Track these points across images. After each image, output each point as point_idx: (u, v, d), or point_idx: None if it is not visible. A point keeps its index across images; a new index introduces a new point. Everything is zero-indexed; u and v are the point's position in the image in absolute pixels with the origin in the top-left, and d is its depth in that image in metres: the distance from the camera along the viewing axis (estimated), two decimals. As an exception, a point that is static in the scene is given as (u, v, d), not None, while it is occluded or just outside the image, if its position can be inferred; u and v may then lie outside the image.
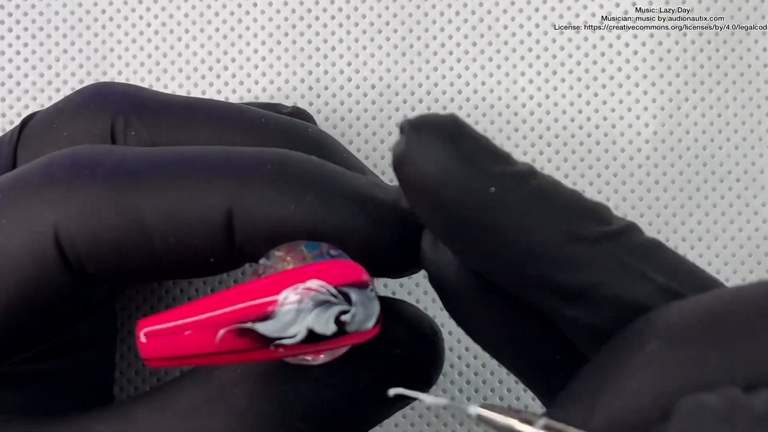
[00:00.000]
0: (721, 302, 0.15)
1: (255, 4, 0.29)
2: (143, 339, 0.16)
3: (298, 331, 0.16)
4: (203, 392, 0.18)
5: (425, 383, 0.20)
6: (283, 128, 0.21)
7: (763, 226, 0.28)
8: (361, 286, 0.17)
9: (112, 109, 0.20)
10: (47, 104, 0.29)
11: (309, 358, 0.18)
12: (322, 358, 0.18)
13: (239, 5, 0.29)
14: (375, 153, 0.29)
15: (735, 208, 0.28)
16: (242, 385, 0.18)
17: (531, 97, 0.29)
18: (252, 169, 0.18)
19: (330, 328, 0.17)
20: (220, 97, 0.29)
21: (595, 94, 0.29)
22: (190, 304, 0.16)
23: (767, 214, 0.28)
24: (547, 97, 0.29)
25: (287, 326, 0.16)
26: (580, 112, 0.28)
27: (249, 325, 0.16)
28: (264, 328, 0.16)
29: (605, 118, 0.28)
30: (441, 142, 0.16)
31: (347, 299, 0.17)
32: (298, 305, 0.16)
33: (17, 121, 0.29)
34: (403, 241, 0.18)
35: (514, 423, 0.16)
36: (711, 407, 0.14)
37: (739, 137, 0.28)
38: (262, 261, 0.18)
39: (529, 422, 0.16)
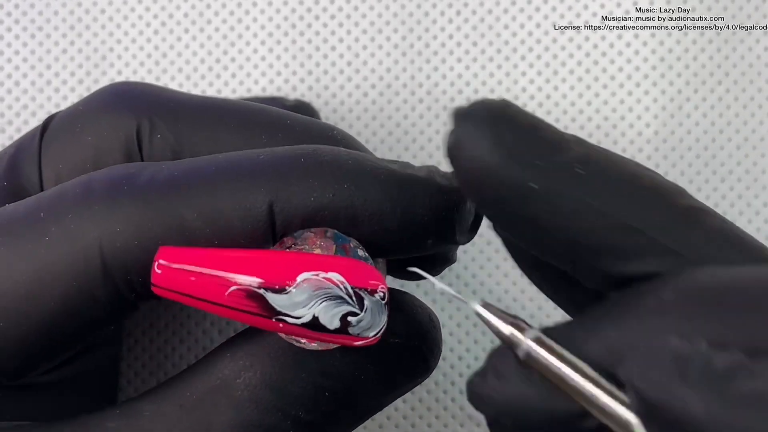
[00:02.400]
0: (750, 273, 0.15)
1: (255, 4, 0.29)
2: (157, 267, 0.17)
3: (304, 315, 0.17)
4: (206, 385, 0.19)
5: (423, 372, 0.20)
6: (308, 128, 0.21)
7: (765, 226, 0.28)
8: (377, 295, 0.17)
9: (136, 112, 0.21)
10: (46, 104, 0.29)
11: (302, 341, 0.18)
12: (314, 345, 0.18)
13: (239, 5, 0.29)
14: (375, 153, 0.29)
15: (736, 208, 0.28)
16: (243, 376, 0.18)
17: (532, 97, 0.28)
18: (288, 163, 0.18)
19: (334, 324, 0.17)
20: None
21: (597, 94, 0.28)
22: (213, 251, 0.17)
23: (769, 215, 0.28)
24: (548, 97, 0.28)
25: (296, 306, 0.17)
26: (581, 112, 0.28)
27: (261, 291, 0.17)
28: (274, 299, 0.17)
29: (606, 118, 0.28)
30: (483, 135, 0.16)
31: (360, 303, 0.17)
32: (313, 291, 0.17)
33: (16, 121, 0.29)
34: (440, 217, 0.19)
35: (506, 328, 0.16)
36: (671, 350, 0.14)
37: (741, 137, 0.28)
38: (290, 236, 0.18)
39: (521, 330, 0.16)
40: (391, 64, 0.29)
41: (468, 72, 0.29)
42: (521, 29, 0.29)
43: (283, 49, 0.29)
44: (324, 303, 0.17)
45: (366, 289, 0.17)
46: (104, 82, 0.29)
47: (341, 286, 0.17)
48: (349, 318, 0.17)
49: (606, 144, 0.28)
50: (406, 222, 0.18)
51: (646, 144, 0.28)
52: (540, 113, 0.28)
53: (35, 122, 0.29)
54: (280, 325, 0.17)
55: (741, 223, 0.28)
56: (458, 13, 0.29)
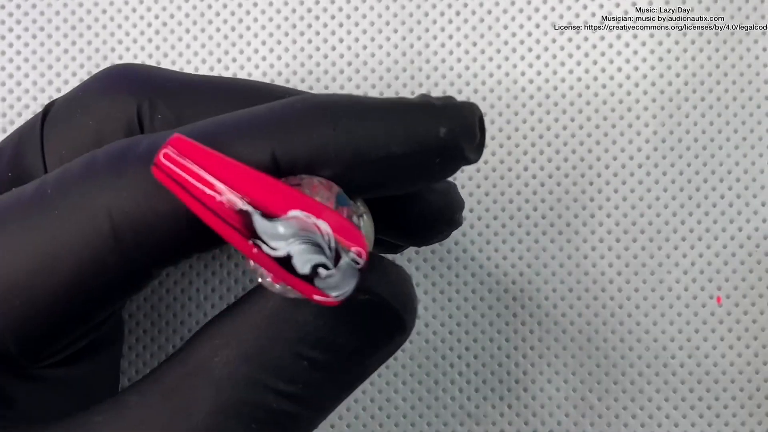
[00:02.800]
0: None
1: (255, 4, 0.29)
2: (163, 153, 0.17)
3: (280, 248, 0.17)
4: (185, 368, 0.18)
5: (398, 328, 0.20)
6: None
7: (763, 225, 0.28)
8: (354, 257, 0.17)
9: (135, 93, 0.21)
10: (48, 104, 0.29)
11: (267, 278, 0.18)
12: (278, 287, 0.18)
13: (240, 5, 0.29)
14: (375, 153, 0.29)
15: (735, 207, 0.28)
16: (220, 354, 0.18)
17: (531, 97, 0.29)
18: (286, 111, 0.18)
19: (304, 269, 0.17)
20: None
21: (596, 94, 0.29)
22: (224, 159, 0.17)
23: (767, 214, 0.28)
24: (548, 96, 0.29)
25: (276, 238, 0.17)
26: (581, 111, 0.29)
27: (250, 209, 0.17)
28: (258, 222, 0.17)
29: (605, 118, 0.28)
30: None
31: (336, 260, 0.17)
32: (298, 229, 0.17)
33: (18, 122, 0.29)
34: (444, 134, 0.19)
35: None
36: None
37: (739, 137, 0.28)
38: (298, 178, 0.18)
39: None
40: (391, 64, 0.29)
41: (468, 72, 0.29)
42: (520, 29, 0.29)
43: (284, 49, 0.29)
44: (303, 245, 0.17)
45: (346, 249, 0.17)
46: (106, 82, 0.29)
47: (326, 236, 0.17)
48: (320, 270, 0.17)
49: (605, 144, 0.28)
50: (411, 144, 0.18)
51: (644, 143, 0.28)
52: (539, 113, 0.29)
53: (37, 122, 0.29)
54: (254, 249, 0.17)
55: (739, 223, 0.28)
56: (458, 13, 0.29)
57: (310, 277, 0.17)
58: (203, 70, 0.29)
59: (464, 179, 0.28)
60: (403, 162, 0.18)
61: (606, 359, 0.28)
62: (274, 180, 0.17)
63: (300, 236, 0.17)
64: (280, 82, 0.29)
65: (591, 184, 0.28)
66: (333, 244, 0.17)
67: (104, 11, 0.29)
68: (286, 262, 0.17)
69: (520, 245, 0.28)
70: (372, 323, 0.19)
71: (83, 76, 0.29)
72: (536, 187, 0.28)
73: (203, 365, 0.18)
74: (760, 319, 0.28)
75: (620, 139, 0.28)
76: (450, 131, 0.19)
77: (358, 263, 0.17)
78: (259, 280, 0.18)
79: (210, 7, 0.29)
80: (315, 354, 0.19)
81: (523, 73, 0.29)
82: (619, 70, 0.29)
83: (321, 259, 0.17)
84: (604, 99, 0.29)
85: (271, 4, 0.29)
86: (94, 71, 0.29)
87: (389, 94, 0.29)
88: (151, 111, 0.20)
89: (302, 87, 0.29)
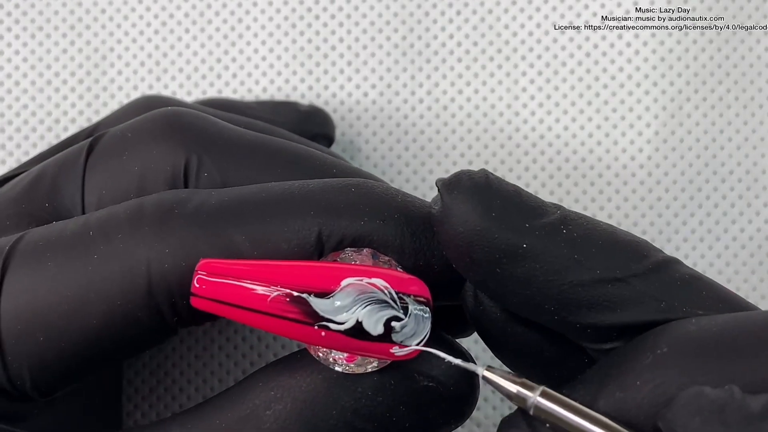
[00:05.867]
0: (735, 322, 0.16)
1: (255, 4, 0.29)
2: (197, 280, 0.17)
3: (348, 320, 0.17)
4: (235, 413, 0.18)
5: (457, 419, 0.20)
6: (351, 176, 0.21)
7: (765, 226, 0.28)
8: (421, 302, 0.17)
9: (185, 146, 0.20)
10: (46, 104, 0.29)
11: (341, 360, 0.18)
12: (353, 366, 0.18)
13: (239, 5, 0.29)
14: (375, 153, 0.29)
15: (737, 208, 0.28)
16: (273, 408, 0.18)
17: (532, 97, 0.28)
18: (338, 192, 0.18)
19: (378, 329, 0.17)
20: (221, 96, 0.29)
21: (597, 94, 0.28)
22: (256, 264, 0.17)
23: (769, 215, 0.28)
24: (549, 96, 0.28)
25: (340, 311, 0.17)
26: (582, 112, 0.28)
27: (305, 295, 0.17)
28: (317, 303, 0.17)
29: (607, 119, 0.28)
30: (472, 203, 0.17)
31: (404, 308, 0.17)
32: (357, 295, 0.17)
33: (16, 121, 0.29)
34: None
35: (512, 387, 0.17)
36: (709, 398, 0.15)
37: (741, 137, 0.28)
38: (332, 253, 0.18)
39: (529, 388, 0.17)
40: (391, 63, 0.29)
41: (468, 72, 0.29)
42: (522, 29, 0.29)
43: (284, 49, 0.29)
44: (368, 306, 0.17)
45: (410, 295, 0.17)
46: (104, 81, 0.29)
47: (385, 291, 0.17)
48: (393, 323, 0.17)
49: (607, 144, 0.28)
50: (450, 264, 0.18)
51: (646, 144, 0.28)
52: (540, 113, 0.28)
53: (35, 122, 0.29)
54: (322, 333, 0.17)
55: (741, 224, 0.28)
56: (458, 13, 0.29)
57: (386, 336, 0.17)
58: (203, 70, 0.29)
59: (465, 180, 0.28)
60: (439, 274, 0.18)
61: (607, 361, 0.28)
62: (313, 262, 0.17)
63: (361, 299, 0.17)
64: (279, 82, 0.29)
65: (592, 184, 0.28)
66: (395, 295, 0.17)
67: (103, 11, 0.29)
68: (357, 331, 0.17)
69: (521, 246, 0.28)
70: (431, 408, 0.19)
71: (82, 75, 0.29)
72: (537, 187, 0.28)
73: (254, 414, 0.18)
74: (762, 321, 0.28)
75: (622, 139, 0.28)
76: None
77: (425, 305, 0.17)
78: (331, 365, 0.18)
79: (209, 6, 0.29)
80: (368, 427, 0.18)
81: (524, 73, 0.29)
82: (621, 70, 0.28)
83: (390, 312, 0.17)
84: (606, 99, 0.28)
85: (270, 3, 0.29)
86: (93, 71, 0.29)
87: (389, 94, 0.29)
88: (198, 167, 0.20)
89: (302, 87, 0.29)
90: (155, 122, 0.21)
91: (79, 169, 0.21)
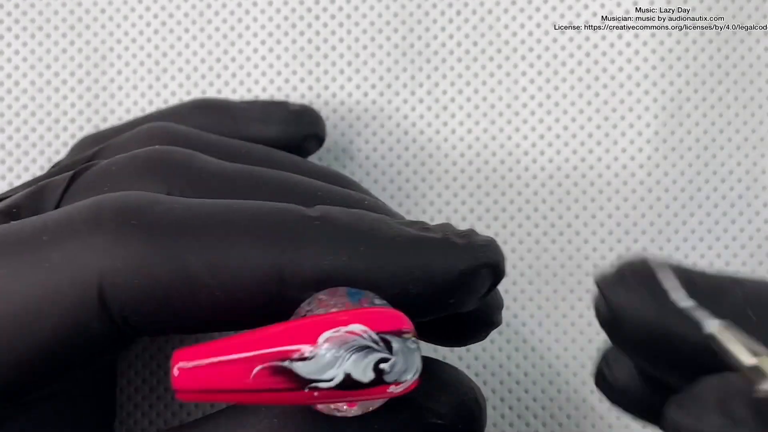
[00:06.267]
0: None
1: (255, 4, 0.29)
2: (176, 372, 0.16)
3: (335, 375, 0.16)
4: None
5: None
6: (338, 200, 0.20)
7: (765, 226, 0.28)
8: (404, 335, 0.17)
9: (168, 180, 0.20)
10: (46, 104, 0.29)
11: (342, 407, 0.17)
12: (356, 409, 0.17)
13: (239, 4, 0.29)
14: (375, 153, 0.29)
15: (737, 208, 0.28)
16: None
17: (532, 97, 0.28)
18: (301, 224, 0.18)
19: (368, 376, 0.16)
20: (220, 97, 0.29)
21: (597, 94, 0.28)
22: (228, 339, 0.16)
23: (769, 215, 0.28)
24: (549, 96, 0.28)
25: (325, 369, 0.16)
26: (582, 111, 0.28)
27: (286, 363, 0.16)
28: (301, 368, 0.16)
29: (607, 118, 0.28)
30: (645, 298, 0.16)
31: (388, 347, 0.16)
32: (338, 348, 0.16)
33: (15, 121, 0.29)
34: (459, 278, 0.18)
35: (748, 357, 0.15)
36: (732, 382, 0.14)
37: (741, 137, 0.28)
38: (303, 304, 0.18)
39: (758, 354, 0.15)
40: (391, 64, 0.29)
41: (468, 72, 0.29)
42: (521, 29, 0.29)
43: (284, 49, 0.29)
44: (352, 357, 0.16)
45: (391, 332, 0.17)
46: (104, 81, 0.29)
47: (365, 335, 0.16)
48: (381, 365, 0.16)
49: (606, 144, 0.28)
50: (425, 285, 0.18)
51: (646, 144, 0.28)
52: (540, 113, 0.28)
53: (35, 122, 0.29)
54: (315, 393, 0.16)
55: (741, 224, 0.28)
56: (458, 13, 0.29)
57: (379, 380, 0.16)
58: (202, 70, 0.29)
59: (465, 179, 0.28)
60: (416, 299, 0.18)
61: (607, 361, 0.28)
62: (285, 324, 0.16)
63: (344, 351, 0.16)
64: (279, 81, 0.29)
65: (592, 185, 0.28)
66: (376, 337, 0.16)
67: (103, 10, 0.29)
68: (348, 383, 0.16)
69: (521, 246, 0.28)
70: None
71: (81, 75, 0.29)
72: (537, 187, 0.28)
73: None
74: (762, 321, 0.28)
75: (621, 139, 0.28)
76: (469, 273, 0.18)
77: (409, 336, 0.17)
78: (336, 414, 0.17)
79: (209, 6, 0.29)
80: None
81: (524, 73, 0.29)
82: (621, 70, 0.28)
83: (376, 355, 0.16)
84: (606, 99, 0.28)
85: (270, 3, 0.29)
86: (93, 71, 0.29)
87: (389, 94, 0.29)
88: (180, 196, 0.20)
89: (301, 86, 0.29)
90: (143, 159, 0.21)
91: (57, 196, 0.21)
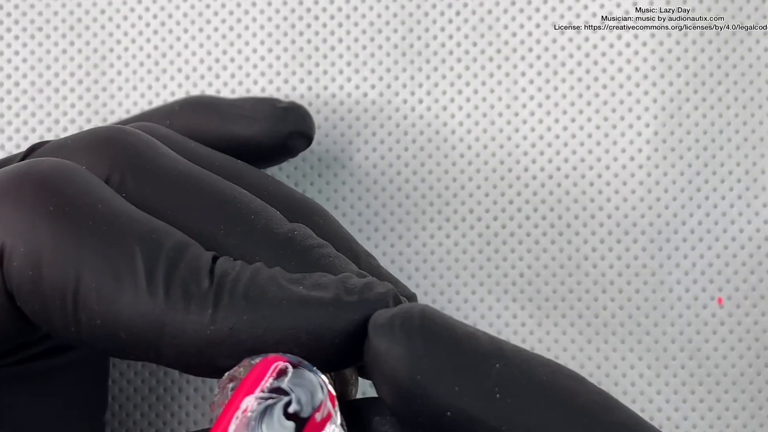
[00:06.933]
0: None
1: (254, 4, 0.29)
2: None
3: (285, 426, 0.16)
4: None
5: None
6: (267, 227, 0.20)
7: (765, 227, 0.28)
8: (282, 374, 0.17)
9: (112, 163, 0.20)
10: (45, 104, 0.29)
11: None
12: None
13: (238, 5, 0.29)
14: (375, 153, 0.29)
15: (736, 209, 0.28)
16: None
17: (532, 98, 0.28)
18: (194, 283, 0.18)
19: (288, 426, 0.16)
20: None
21: (596, 94, 0.28)
22: None
23: (768, 215, 0.28)
24: (548, 97, 0.28)
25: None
26: (581, 112, 0.28)
27: None
28: None
29: (606, 119, 0.28)
30: (400, 354, 0.16)
31: (280, 392, 0.16)
32: (248, 429, 0.16)
33: (15, 122, 0.29)
34: (351, 336, 0.18)
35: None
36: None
37: (741, 138, 0.28)
38: (215, 398, 0.18)
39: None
40: (390, 64, 0.29)
41: (467, 72, 0.29)
42: (521, 29, 0.29)
43: (283, 49, 0.29)
44: (264, 425, 0.16)
45: (271, 379, 0.16)
46: (104, 82, 0.29)
47: (258, 402, 0.16)
48: (290, 409, 0.16)
49: (606, 144, 0.28)
50: (315, 346, 0.18)
51: (645, 144, 0.28)
52: (539, 114, 0.28)
53: (34, 122, 0.29)
54: None
55: (740, 224, 0.28)
56: (458, 13, 0.29)
57: (298, 421, 0.16)
58: (201, 70, 0.29)
59: (464, 180, 0.28)
60: (311, 359, 0.18)
61: (607, 361, 0.28)
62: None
63: (254, 426, 0.16)
64: (278, 82, 0.29)
65: (591, 185, 0.28)
66: (265, 394, 0.16)
67: (102, 11, 0.29)
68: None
69: (520, 246, 0.28)
70: None
71: (81, 76, 0.29)
72: (536, 188, 0.28)
73: None
74: (761, 321, 0.28)
75: (621, 140, 0.28)
76: (357, 335, 0.18)
77: (289, 369, 0.17)
78: None
79: (208, 6, 0.29)
80: None
81: (523, 74, 0.29)
82: (620, 70, 0.28)
83: (278, 408, 0.16)
84: (605, 100, 0.28)
85: (269, 3, 0.29)
86: (92, 71, 0.29)
87: (389, 94, 0.29)
88: (119, 185, 0.20)
89: (301, 87, 0.29)
90: (96, 135, 0.21)
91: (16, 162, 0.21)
